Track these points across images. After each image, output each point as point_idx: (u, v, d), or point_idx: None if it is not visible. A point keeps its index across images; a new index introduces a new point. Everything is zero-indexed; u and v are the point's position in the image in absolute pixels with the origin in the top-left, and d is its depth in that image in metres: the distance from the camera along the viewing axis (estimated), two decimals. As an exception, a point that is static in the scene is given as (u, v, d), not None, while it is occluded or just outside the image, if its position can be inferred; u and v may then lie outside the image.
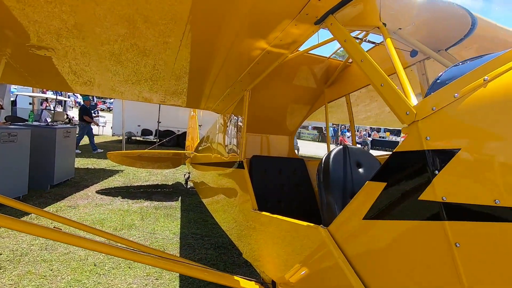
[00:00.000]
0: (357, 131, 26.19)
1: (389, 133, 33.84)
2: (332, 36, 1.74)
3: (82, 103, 14.22)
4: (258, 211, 2.29)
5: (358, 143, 23.63)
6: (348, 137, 20.65)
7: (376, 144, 28.21)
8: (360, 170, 2.06)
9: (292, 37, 1.81)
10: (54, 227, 1.61)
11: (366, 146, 25.80)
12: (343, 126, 24.63)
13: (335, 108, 3.87)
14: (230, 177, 3.03)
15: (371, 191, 1.20)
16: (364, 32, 2.47)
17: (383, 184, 1.14)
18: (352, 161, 2.06)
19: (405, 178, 1.08)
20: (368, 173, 2.07)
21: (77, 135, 11.08)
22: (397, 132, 31.63)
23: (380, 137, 31.45)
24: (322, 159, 2.07)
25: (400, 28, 1.85)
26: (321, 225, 1.52)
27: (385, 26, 1.72)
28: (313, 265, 1.59)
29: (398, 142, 26.19)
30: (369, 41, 2.57)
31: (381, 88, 1.25)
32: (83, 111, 11.43)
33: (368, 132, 28.08)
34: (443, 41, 1.91)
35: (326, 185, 1.93)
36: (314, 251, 1.56)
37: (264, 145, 3.86)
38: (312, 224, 1.62)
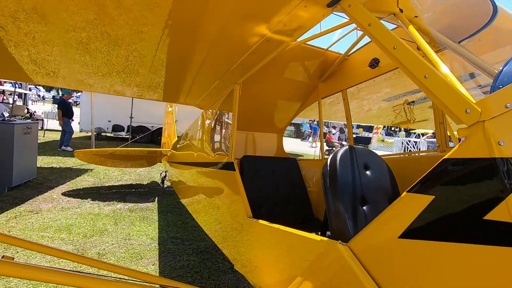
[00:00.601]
0: (332, 127, 26.63)
1: (362, 129, 34.90)
2: (337, 25, 1.52)
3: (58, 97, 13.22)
4: (254, 219, 2.05)
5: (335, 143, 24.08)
6: (334, 134, 21.21)
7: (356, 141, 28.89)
8: (368, 172, 1.88)
9: (299, 22, 1.57)
10: (3, 256, 1.25)
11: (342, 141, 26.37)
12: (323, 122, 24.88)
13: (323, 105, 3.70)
14: (217, 179, 2.76)
15: (411, 205, 1.00)
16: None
17: (430, 198, 0.94)
18: (360, 163, 1.87)
19: (463, 192, 0.88)
20: (376, 176, 1.89)
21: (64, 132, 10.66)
22: (368, 128, 32.68)
23: (354, 133, 32.32)
24: (327, 161, 1.87)
25: (415, 16, 1.66)
26: (339, 241, 1.30)
27: (402, 13, 1.52)
28: (329, 286, 1.37)
29: (370, 138, 27.06)
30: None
31: (425, 80, 1.04)
32: (61, 106, 10.80)
33: (342, 128, 28.64)
34: (460, 31, 1.76)
35: (334, 191, 1.73)
36: (330, 270, 1.35)
37: (251, 144, 3.62)
38: (326, 239, 1.40)
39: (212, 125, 3.15)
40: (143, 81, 2.62)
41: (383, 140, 27.71)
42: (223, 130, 2.82)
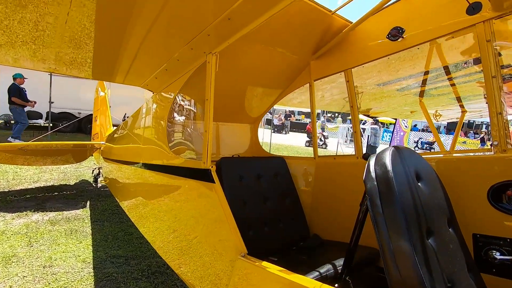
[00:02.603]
0: (276, 114, 26.74)
1: (304, 115, 36.04)
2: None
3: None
4: (252, 259, 1.36)
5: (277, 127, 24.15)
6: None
7: (293, 127, 29.59)
8: (421, 185, 1.33)
9: None
10: None
11: (286, 129, 26.80)
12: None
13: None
14: (185, 195, 1.97)
15: None
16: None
17: None
18: (411, 172, 1.31)
19: None
20: (430, 190, 1.36)
21: (14, 123, 9.35)
22: (309, 114, 33.93)
23: (296, 119, 33.17)
24: (370, 170, 1.27)
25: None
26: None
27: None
28: None
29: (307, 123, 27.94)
30: None
31: None
32: (13, 92, 9.02)
33: (287, 113, 29.00)
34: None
35: (393, 218, 1.15)
36: None
37: (215, 138, 2.84)
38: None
39: (171, 115, 2.30)
40: (63, 54, 1.76)
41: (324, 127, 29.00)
42: (189, 122, 2.02)
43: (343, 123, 26.13)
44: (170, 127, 2.35)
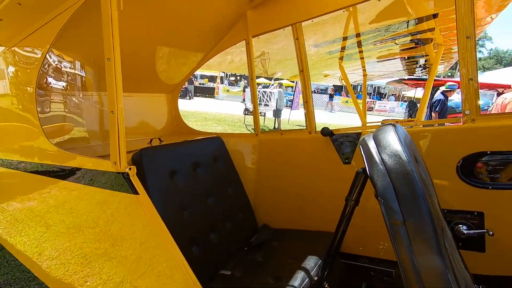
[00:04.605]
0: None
1: (207, 79, 34.76)
2: None
3: None
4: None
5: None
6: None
7: (197, 91, 28.25)
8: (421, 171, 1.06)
9: None
10: None
11: (190, 94, 25.36)
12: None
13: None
14: (84, 215, 1.25)
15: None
16: None
17: None
18: (412, 155, 1.02)
19: None
20: (425, 173, 1.11)
21: None
22: (210, 78, 32.98)
23: (200, 83, 31.71)
24: (375, 156, 0.94)
25: None
26: None
27: None
28: None
29: (214, 88, 27.19)
30: None
31: None
32: None
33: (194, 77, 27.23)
34: None
35: (419, 228, 0.85)
36: None
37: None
38: None
39: (40, 82, 1.43)
40: None
41: (228, 90, 28.79)
42: (78, 94, 1.25)
43: (246, 87, 26.33)
44: (41, 103, 1.48)
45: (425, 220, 0.86)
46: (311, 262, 1.48)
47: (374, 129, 1.10)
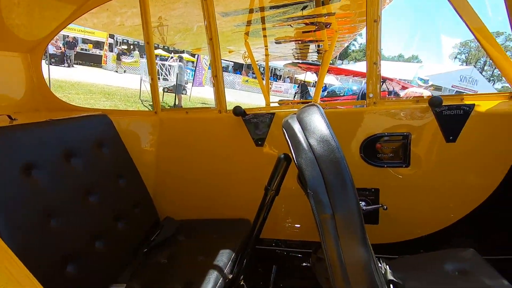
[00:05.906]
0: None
1: (91, 45, 29.75)
2: None
3: None
4: None
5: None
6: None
7: (79, 58, 23.82)
8: None
9: None
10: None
11: (69, 61, 21.17)
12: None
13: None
14: None
15: None
16: None
17: None
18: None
19: None
20: None
21: None
22: (97, 44, 28.42)
23: (82, 49, 26.82)
24: (303, 142, 0.84)
25: None
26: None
27: None
28: None
29: (101, 56, 23.45)
30: None
31: None
32: None
33: (69, 41, 22.51)
34: None
35: (348, 222, 0.82)
36: None
37: None
38: None
39: None
40: None
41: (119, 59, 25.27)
42: None
43: (141, 57, 23.62)
44: None
45: (354, 212, 0.80)
46: (224, 258, 1.33)
47: (292, 110, 0.98)
